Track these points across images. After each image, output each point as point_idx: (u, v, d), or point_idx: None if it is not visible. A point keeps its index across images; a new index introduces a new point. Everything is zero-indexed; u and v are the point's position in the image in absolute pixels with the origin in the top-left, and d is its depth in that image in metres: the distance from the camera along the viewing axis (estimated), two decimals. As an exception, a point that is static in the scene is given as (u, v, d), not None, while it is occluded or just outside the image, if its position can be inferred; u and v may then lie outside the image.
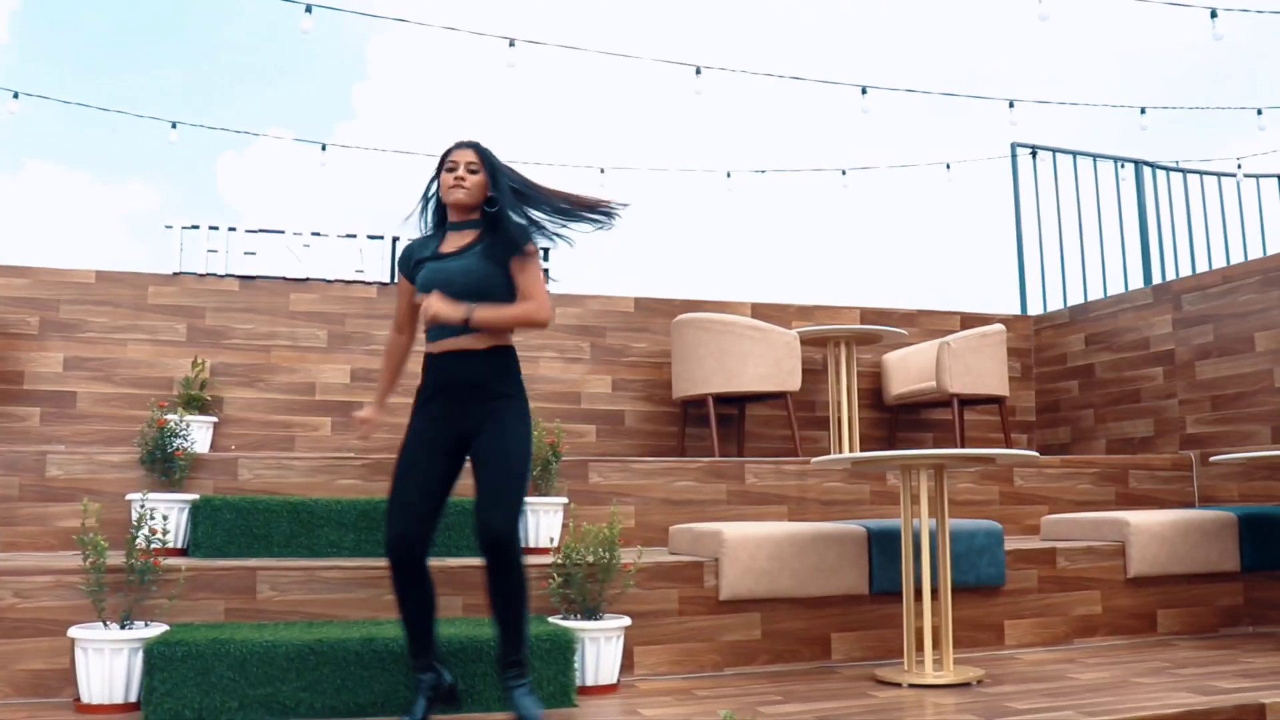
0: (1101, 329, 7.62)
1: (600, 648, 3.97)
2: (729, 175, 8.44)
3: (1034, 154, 8.92)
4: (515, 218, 3.53)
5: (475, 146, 3.56)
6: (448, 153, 3.58)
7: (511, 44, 6.39)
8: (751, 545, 4.47)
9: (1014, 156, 8.96)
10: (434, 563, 4.38)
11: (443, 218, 3.68)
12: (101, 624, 3.74)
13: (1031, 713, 3.48)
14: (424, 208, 3.68)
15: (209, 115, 18.84)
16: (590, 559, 4.18)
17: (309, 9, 6.05)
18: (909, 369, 7.47)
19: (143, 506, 4.55)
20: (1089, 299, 7.96)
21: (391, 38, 20.55)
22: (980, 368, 7.04)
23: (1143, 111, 9.21)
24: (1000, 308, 8.63)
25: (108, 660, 3.55)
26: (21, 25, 19.07)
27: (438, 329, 3.45)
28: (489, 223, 3.54)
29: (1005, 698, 3.77)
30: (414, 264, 3.58)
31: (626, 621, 4.05)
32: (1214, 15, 7.50)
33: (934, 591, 4.80)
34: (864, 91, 6.74)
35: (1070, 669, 4.35)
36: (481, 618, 4.22)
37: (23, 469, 5.01)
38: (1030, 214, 9.41)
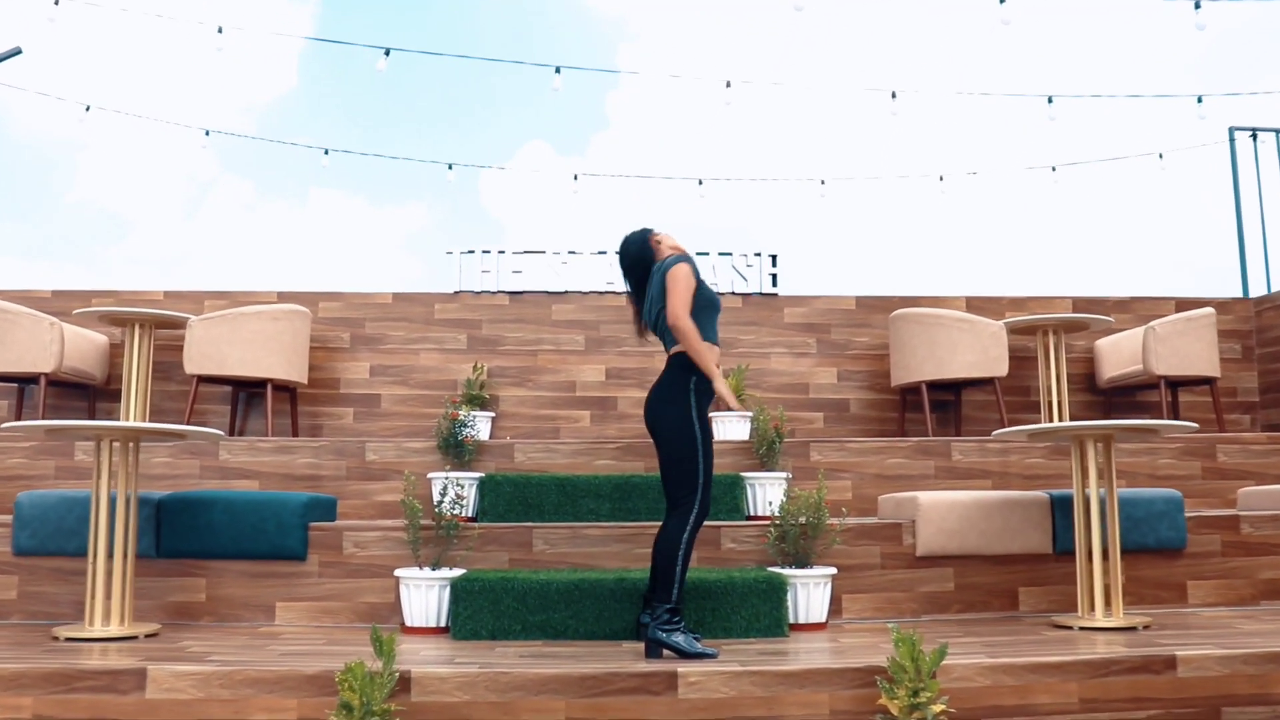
0: (1321, 308, 7.78)
1: (810, 592, 4.77)
2: (942, 178, 9.02)
3: (1254, 136, 9.05)
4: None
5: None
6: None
7: (729, 85, 7.23)
8: (943, 508, 5.17)
9: (1232, 141, 9.12)
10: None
11: None
12: (418, 567, 4.84)
13: (1176, 644, 4.06)
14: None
15: (471, 134, 20.60)
16: (802, 520, 5.00)
17: (558, 69, 7.08)
18: (1120, 353, 7.86)
19: (446, 479, 5.68)
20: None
21: (640, 45, 21.75)
22: (1188, 350, 7.39)
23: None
24: (1222, 291, 8.81)
25: (424, 594, 4.64)
26: (306, 67, 21.40)
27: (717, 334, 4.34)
28: None
29: (1160, 637, 4.34)
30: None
31: (833, 571, 4.84)
32: None
33: (1107, 551, 5.34)
34: (1050, 101, 7.20)
35: (1241, 622, 4.84)
36: (709, 567, 5.10)
37: (349, 455, 6.26)
38: (1251, 196, 9.50)
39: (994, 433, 5.05)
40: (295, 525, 5.02)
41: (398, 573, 4.73)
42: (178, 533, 5.01)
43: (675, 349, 4.23)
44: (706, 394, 4.19)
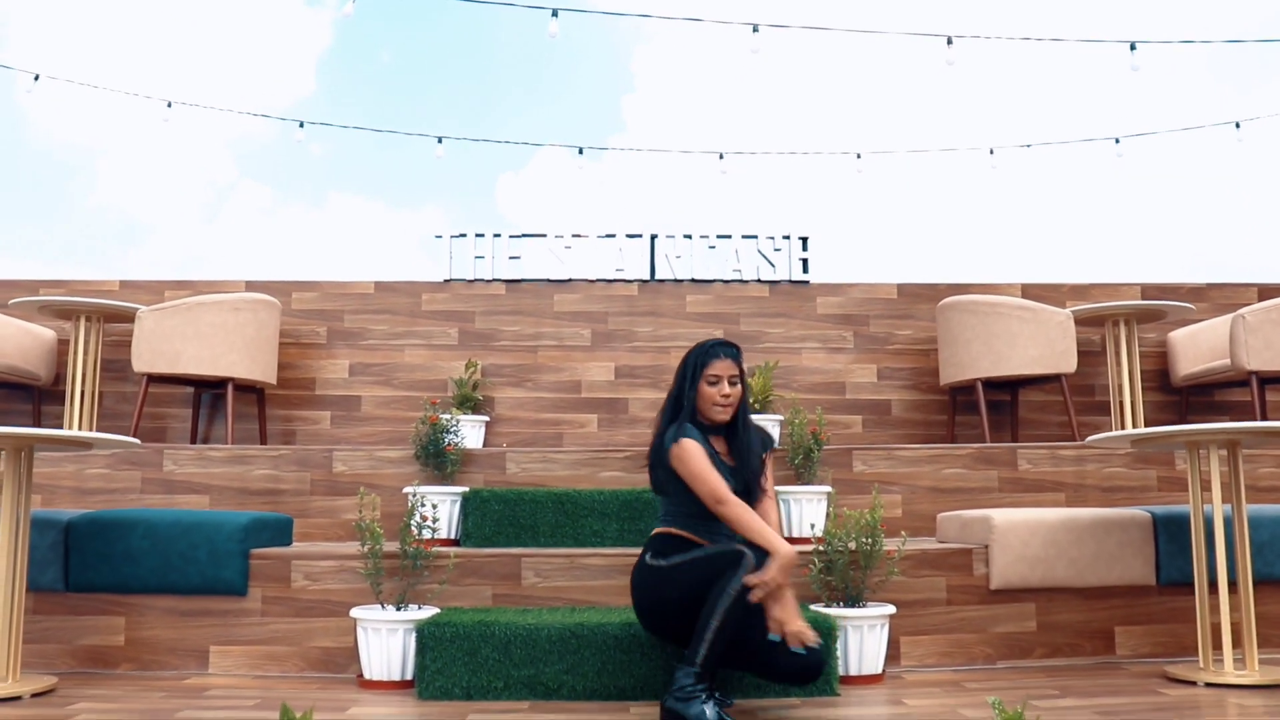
0: None
1: (864, 636, 3.84)
2: (992, 152, 8.07)
3: (1340, 107, 8.09)
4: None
5: (737, 356, 3.42)
6: (710, 357, 3.40)
7: (755, 29, 6.33)
8: (1024, 531, 4.23)
9: (1316, 112, 8.15)
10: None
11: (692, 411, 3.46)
12: (379, 606, 3.93)
13: (1350, 712, 3.12)
14: (683, 409, 3.42)
15: (486, 138, 20.01)
16: (852, 545, 4.07)
17: (555, 13, 6.22)
18: (1199, 347, 6.91)
19: (415, 496, 4.77)
20: None
21: (654, 48, 20.95)
22: (1283, 342, 6.42)
23: None
24: (1306, 278, 7.84)
25: (384, 640, 3.73)
26: (325, 72, 20.67)
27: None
28: (730, 430, 3.47)
29: (1319, 696, 3.40)
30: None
31: (891, 610, 3.91)
32: None
33: (1232, 583, 4.40)
34: (1133, 48, 6.25)
35: (1399, 668, 3.89)
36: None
37: (313, 465, 5.36)
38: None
39: (1090, 438, 4.11)
40: (233, 553, 4.11)
41: (354, 613, 3.81)
42: (90, 562, 4.11)
43: (665, 527, 3.49)
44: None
